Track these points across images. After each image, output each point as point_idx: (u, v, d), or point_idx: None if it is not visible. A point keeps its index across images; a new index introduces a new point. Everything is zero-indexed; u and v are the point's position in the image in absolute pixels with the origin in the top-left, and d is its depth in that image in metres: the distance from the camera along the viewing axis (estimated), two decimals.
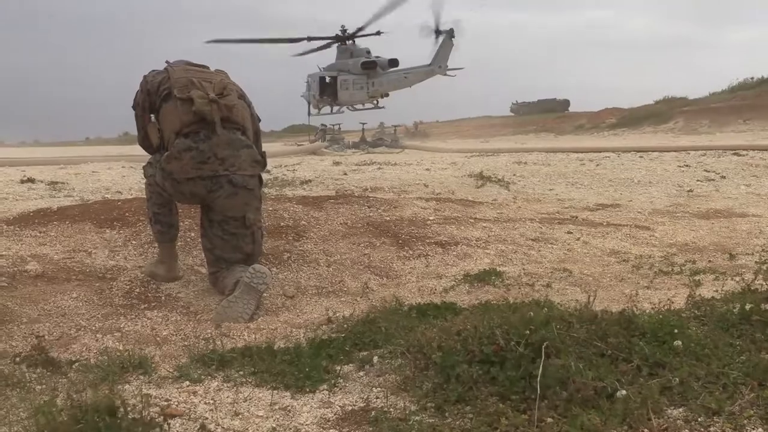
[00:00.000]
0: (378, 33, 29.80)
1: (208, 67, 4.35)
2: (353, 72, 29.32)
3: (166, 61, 4.41)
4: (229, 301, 3.69)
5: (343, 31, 29.93)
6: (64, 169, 12.68)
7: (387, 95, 30.33)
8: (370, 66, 29.25)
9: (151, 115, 4.18)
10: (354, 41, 30.01)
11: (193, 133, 3.96)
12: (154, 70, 4.27)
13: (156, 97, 4.11)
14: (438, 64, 28.91)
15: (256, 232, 4.14)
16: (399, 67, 29.57)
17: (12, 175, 10.42)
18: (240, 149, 4.05)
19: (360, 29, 29.84)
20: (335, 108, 30.67)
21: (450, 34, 28.56)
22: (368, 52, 29.69)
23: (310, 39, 29.82)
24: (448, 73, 29.59)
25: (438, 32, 28.64)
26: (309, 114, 31.29)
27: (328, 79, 29.70)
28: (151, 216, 4.30)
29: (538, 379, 2.21)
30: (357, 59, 29.26)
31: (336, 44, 30.29)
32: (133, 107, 4.25)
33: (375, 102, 30.58)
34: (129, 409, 2.07)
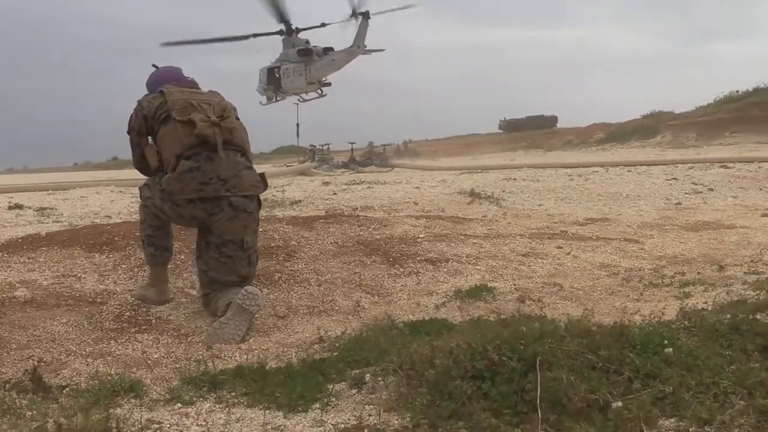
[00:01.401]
0: (323, 24, 31.41)
1: (197, 85, 4.37)
2: (292, 61, 31.22)
3: (153, 65, 4.47)
4: (220, 323, 3.68)
5: (288, 25, 31.25)
6: (52, 194, 12.64)
7: (329, 84, 31.84)
8: (307, 53, 31.08)
9: (149, 138, 4.19)
10: (296, 34, 31.49)
11: (195, 154, 3.97)
12: (148, 95, 4.27)
13: (154, 121, 4.10)
14: (357, 45, 30.53)
15: (252, 255, 4.14)
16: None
17: None
18: (241, 171, 4.06)
19: (307, 28, 31.87)
20: (280, 96, 32.32)
21: (366, 15, 30.08)
22: (307, 42, 31.33)
23: (255, 35, 31.79)
24: (367, 52, 31.23)
25: (355, 14, 29.89)
26: (262, 104, 33.17)
27: (276, 72, 31.38)
28: (144, 238, 4.28)
29: (538, 392, 2.21)
30: (296, 48, 30.84)
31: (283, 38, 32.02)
32: (128, 132, 4.24)
33: (319, 91, 32.25)
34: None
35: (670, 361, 2.41)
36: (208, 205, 3.94)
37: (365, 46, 30.76)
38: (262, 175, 4.25)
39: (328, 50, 31.17)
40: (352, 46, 30.61)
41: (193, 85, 4.37)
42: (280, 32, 31.80)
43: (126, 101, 4.32)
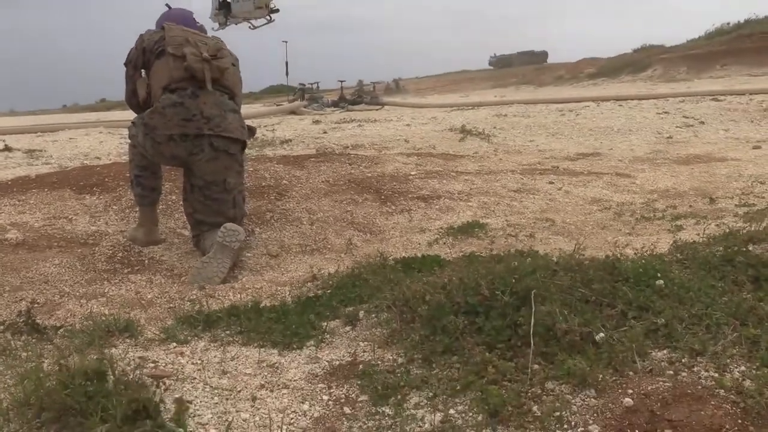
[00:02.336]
0: None
1: (205, 31, 4.32)
2: None
3: (167, 4, 4.46)
4: (202, 262, 3.69)
5: None
6: (41, 137, 12.48)
7: (277, 11, 31.74)
8: None
9: (142, 70, 4.17)
10: None
11: (181, 89, 3.94)
12: (150, 30, 4.26)
13: (150, 55, 4.10)
14: None
15: (237, 196, 4.11)
16: None
17: None
18: (227, 112, 4.02)
19: None
20: (231, 21, 32.30)
21: None
22: None
23: None
24: None
25: None
26: (214, 30, 33.16)
27: None
28: (132, 178, 4.26)
29: (531, 326, 2.22)
30: None
31: None
32: (125, 64, 4.23)
33: (268, 17, 32.10)
34: (118, 371, 2.06)
35: (663, 294, 2.42)
36: (188, 144, 3.91)
37: None
38: (249, 127, 4.24)
39: None
40: None
41: (201, 30, 4.33)
42: None
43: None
